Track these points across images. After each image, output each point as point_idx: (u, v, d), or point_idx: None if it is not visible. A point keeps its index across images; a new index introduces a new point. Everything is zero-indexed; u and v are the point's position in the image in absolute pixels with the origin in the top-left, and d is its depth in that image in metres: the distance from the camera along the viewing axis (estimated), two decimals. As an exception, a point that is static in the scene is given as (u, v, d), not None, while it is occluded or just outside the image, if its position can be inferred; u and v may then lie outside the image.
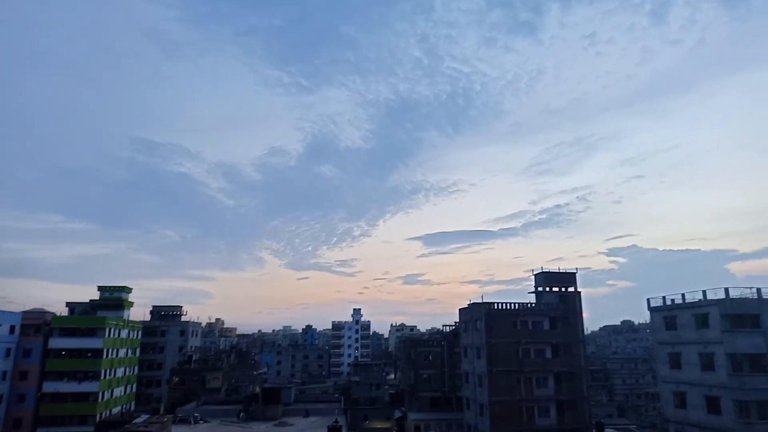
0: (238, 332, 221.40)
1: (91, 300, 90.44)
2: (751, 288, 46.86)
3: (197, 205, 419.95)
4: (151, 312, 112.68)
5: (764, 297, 46.24)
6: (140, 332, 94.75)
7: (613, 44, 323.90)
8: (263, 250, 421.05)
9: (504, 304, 62.97)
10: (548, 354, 62.23)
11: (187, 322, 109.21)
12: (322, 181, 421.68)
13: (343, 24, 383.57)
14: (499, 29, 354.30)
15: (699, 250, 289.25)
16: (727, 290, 46.06)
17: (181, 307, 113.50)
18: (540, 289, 67.91)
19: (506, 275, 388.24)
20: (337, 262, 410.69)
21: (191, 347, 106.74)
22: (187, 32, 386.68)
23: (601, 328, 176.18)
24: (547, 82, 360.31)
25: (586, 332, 77.63)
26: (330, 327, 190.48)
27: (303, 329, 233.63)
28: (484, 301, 62.99)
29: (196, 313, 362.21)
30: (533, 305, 65.63)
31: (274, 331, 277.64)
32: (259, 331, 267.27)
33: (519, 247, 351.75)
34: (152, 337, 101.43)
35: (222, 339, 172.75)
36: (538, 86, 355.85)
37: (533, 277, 69.59)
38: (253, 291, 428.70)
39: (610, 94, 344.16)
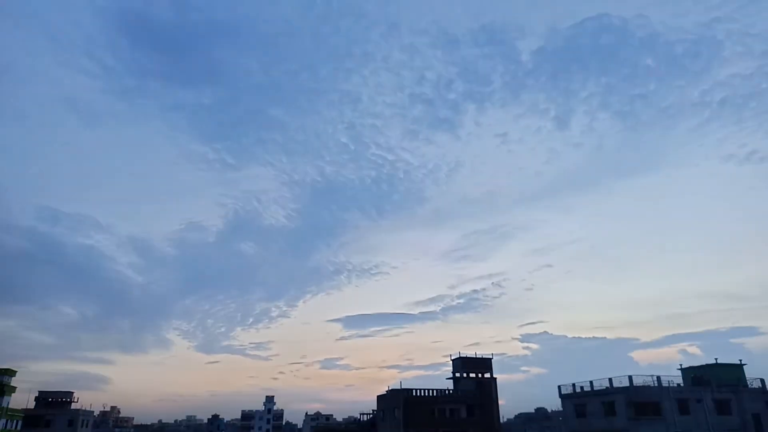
0: (135, 422, 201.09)
1: (-36, 385, 79.52)
2: (652, 376, 49.71)
3: (102, 280, 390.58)
4: (37, 398, 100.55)
5: (664, 385, 49.09)
6: (20, 422, 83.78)
7: (522, 144, 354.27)
8: (171, 330, 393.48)
9: (422, 391, 62.27)
10: (466, 443, 61.40)
11: (78, 410, 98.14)
12: (241, 259, 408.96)
13: (272, 107, 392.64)
14: (420, 123, 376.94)
15: (605, 338, 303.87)
16: (631, 378, 48.50)
17: (72, 393, 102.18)
18: (458, 374, 68.06)
19: (425, 360, 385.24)
20: (252, 345, 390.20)
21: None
22: (110, 103, 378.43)
23: (516, 416, 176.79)
24: (465, 174, 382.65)
25: (502, 420, 77.73)
26: (239, 417, 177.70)
27: (209, 419, 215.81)
28: (403, 387, 62.07)
29: (90, 399, 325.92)
30: (451, 392, 65.37)
31: (176, 421, 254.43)
32: (160, 420, 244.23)
33: (438, 331, 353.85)
34: (35, 428, 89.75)
35: (117, 429, 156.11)
36: (456, 177, 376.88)
37: (451, 362, 69.88)
38: (157, 376, 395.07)
39: (521, 188, 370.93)
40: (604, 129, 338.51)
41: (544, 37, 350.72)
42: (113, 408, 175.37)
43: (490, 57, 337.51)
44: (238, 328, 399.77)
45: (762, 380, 54.27)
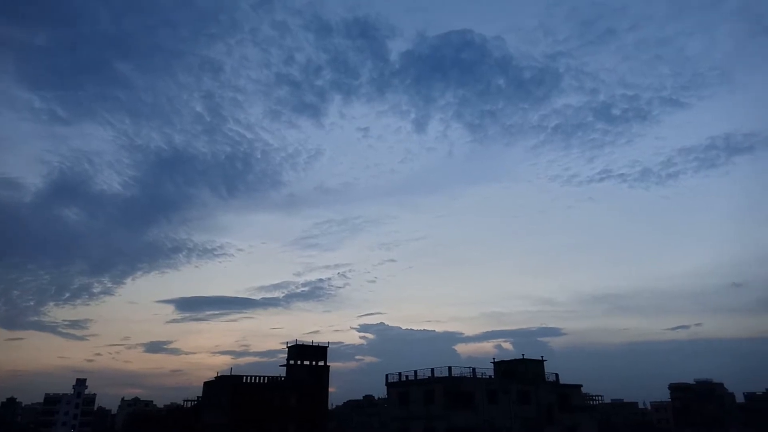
0: None
1: None
2: (469, 368, 54.21)
3: None
4: None
5: (478, 377, 53.85)
6: None
7: (382, 141, 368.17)
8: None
9: (253, 378, 61.06)
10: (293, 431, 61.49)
11: None
12: (62, 226, 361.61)
13: (119, 61, 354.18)
14: (284, 105, 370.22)
15: (434, 330, 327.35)
16: (449, 369, 52.32)
17: None
18: (292, 362, 67.90)
19: (262, 346, 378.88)
20: (66, 323, 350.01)
21: None
22: None
23: (344, 403, 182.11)
24: (324, 163, 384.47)
25: (331, 407, 79.49)
26: (42, 401, 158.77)
27: (3, 402, 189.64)
28: (234, 374, 60.21)
29: None
30: (283, 379, 64.98)
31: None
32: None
33: (279, 317, 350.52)
34: None
35: None
36: (315, 165, 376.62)
37: (287, 349, 69.50)
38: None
39: (376, 183, 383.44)
40: (455, 137, 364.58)
41: (413, 41, 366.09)
42: None
43: (360, 50, 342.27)
44: (51, 303, 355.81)
45: (557, 375, 62.18)
